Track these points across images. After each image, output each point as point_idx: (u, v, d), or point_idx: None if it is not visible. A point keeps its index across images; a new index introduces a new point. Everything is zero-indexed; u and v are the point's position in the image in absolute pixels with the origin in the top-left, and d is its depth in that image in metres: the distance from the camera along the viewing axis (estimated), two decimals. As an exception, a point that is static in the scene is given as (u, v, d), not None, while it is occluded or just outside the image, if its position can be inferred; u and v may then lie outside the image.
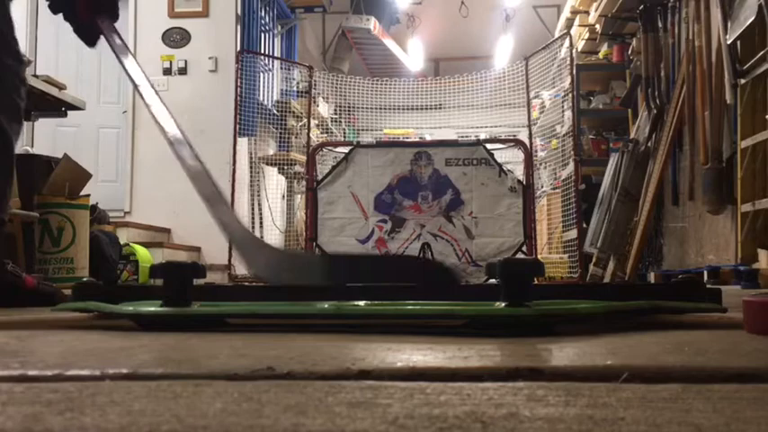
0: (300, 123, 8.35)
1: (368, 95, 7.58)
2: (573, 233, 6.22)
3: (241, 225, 1.83)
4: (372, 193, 5.91)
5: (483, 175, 5.83)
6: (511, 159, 6.26)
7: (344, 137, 9.89)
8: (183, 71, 8.22)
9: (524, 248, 5.72)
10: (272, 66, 8.90)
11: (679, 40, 6.11)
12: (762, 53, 4.30)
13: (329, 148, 6.58)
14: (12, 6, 2.41)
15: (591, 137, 8.03)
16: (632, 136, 7.15)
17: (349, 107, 8.40)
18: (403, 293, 1.66)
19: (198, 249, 7.86)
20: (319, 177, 6.04)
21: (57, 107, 5.88)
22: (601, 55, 8.24)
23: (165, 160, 7.99)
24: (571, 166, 6.43)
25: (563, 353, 1.08)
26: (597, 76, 8.28)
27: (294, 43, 10.23)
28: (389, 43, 12.18)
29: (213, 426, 0.60)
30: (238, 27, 8.31)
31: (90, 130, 8.48)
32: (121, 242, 6.43)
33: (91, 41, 1.78)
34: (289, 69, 9.20)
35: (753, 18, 4.28)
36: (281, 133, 8.46)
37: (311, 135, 7.63)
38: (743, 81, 4.56)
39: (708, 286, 1.70)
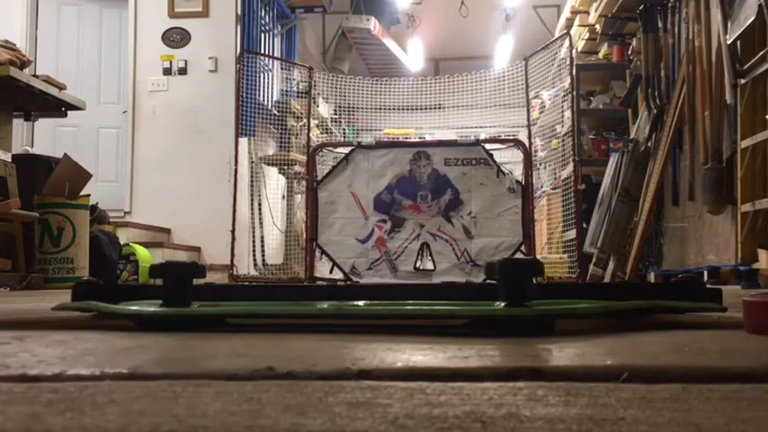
0: (300, 123, 8.35)
1: (368, 95, 7.58)
2: (573, 233, 6.22)
3: None
4: (372, 193, 5.91)
5: (482, 175, 5.83)
6: (511, 159, 6.25)
7: (344, 137, 9.88)
8: (183, 71, 8.21)
9: (523, 248, 5.72)
10: (273, 66, 8.89)
11: (679, 40, 6.11)
12: (762, 53, 4.30)
13: (329, 148, 6.58)
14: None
15: (591, 137, 8.03)
16: (632, 136, 7.14)
17: (349, 107, 8.39)
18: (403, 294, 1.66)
19: (198, 249, 7.86)
20: (319, 177, 6.04)
21: (57, 107, 5.88)
22: (601, 55, 8.24)
23: (165, 160, 8.04)
24: (571, 167, 6.43)
25: (563, 353, 1.08)
26: (597, 76, 8.28)
27: (294, 43, 10.23)
28: (389, 43, 12.17)
29: (213, 426, 0.60)
30: (238, 27, 8.30)
31: (90, 130, 8.48)
32: (121, 242, 6.43)
33: None
34: (289, 69, 9.19)
35: (753, 18, 4.28)
36: (281, 133, 8.45)
37: (311, 135, 7.63)
38: (743, 81, 4.55)
39: (708, 286, 1.70)
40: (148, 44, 8.23)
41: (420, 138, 8.57)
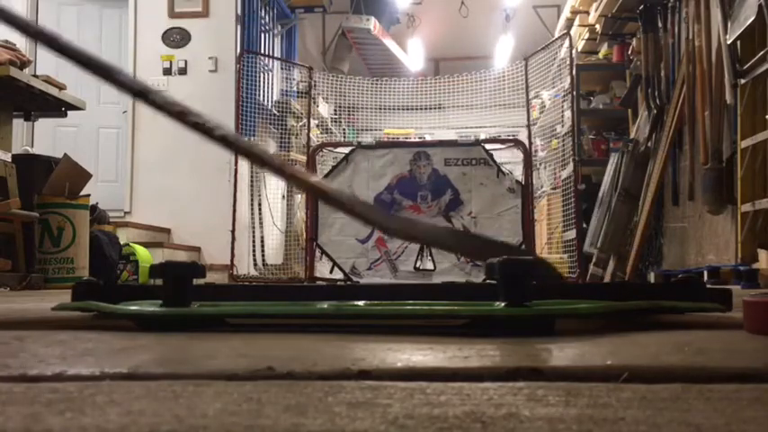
0: (300, 123, 8.35)
1: (368, 95, 7.58)
2: (573, 233, 6.22)
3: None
4: (372, 193, 5.91)
5: (482, 175, 5.83)
6: (510, 159, 6.26)
7: (344, 137, 9.88)
8: (183, 71, 8.21)
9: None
10: (272, 66, 8.89)
11: (679, 40, 6.11)
12: (762, 53, 4.29)
13: (329, 148, 6.58)
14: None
15: (591, 137, 8.03)
16: (632, 136, 7.15)
17: (349, 107, 8.39)
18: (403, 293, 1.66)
19: (198, 249, 7.86)
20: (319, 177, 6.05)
21: (57, 107, 5.87)
22: (601, 55, 8.24)
23: (165, 160, 8.04)
24: (571, 167, 6.43)
25: (563, 353, 1.08)
26: (597, 76, 8.28)
27: (294, 43, 10.23)
28: (389, 43, 12.18)
29: (213, 426, 0.60)
30: (238, 27, 8.30)
31: (90, 130, 8.48)
32: (121, 242, 6.43)
33: None
34: (289, 69, 9.19)
35: (753, 18, 4.28)
36: (281, 133, 8.45)
37: (311, 135, 7.63)
38: (743, 81, 4.55)
39: (718, 287, 1.68)
40: (148, 44, 8.23)
41: (420, 138, 8.57)
